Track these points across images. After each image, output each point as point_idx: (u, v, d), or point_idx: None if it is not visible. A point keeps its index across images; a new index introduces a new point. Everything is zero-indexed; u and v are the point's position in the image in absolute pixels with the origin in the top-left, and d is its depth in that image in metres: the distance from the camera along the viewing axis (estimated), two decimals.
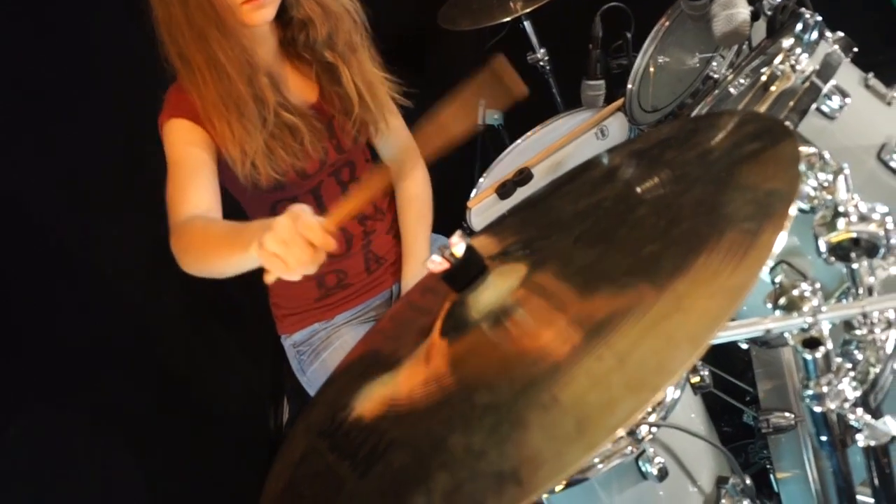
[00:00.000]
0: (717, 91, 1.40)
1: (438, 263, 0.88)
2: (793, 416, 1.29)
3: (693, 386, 1.28)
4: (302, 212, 1.06)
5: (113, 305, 1.95)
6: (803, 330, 0.88)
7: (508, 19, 2.02)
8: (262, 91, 1.44)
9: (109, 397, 1.92)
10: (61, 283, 1.85)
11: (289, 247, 1.04)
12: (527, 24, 2.15)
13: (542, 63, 2.22)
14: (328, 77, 1.58)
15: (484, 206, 1.96)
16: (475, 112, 1.08)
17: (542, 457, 0.61)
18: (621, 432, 0.57)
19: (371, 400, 0.90)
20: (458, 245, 0.87)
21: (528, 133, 2.06)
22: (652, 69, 1.71)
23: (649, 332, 0.64)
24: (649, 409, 1.20)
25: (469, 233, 1.86)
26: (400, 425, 0.81)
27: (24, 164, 1.76)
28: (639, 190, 0.86)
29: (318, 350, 1.73)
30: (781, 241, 0.63)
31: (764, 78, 1.18)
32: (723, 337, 0.92)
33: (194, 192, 1.40)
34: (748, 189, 0.74)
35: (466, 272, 0.88)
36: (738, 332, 0.92)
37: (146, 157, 1.50)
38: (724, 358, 1.63)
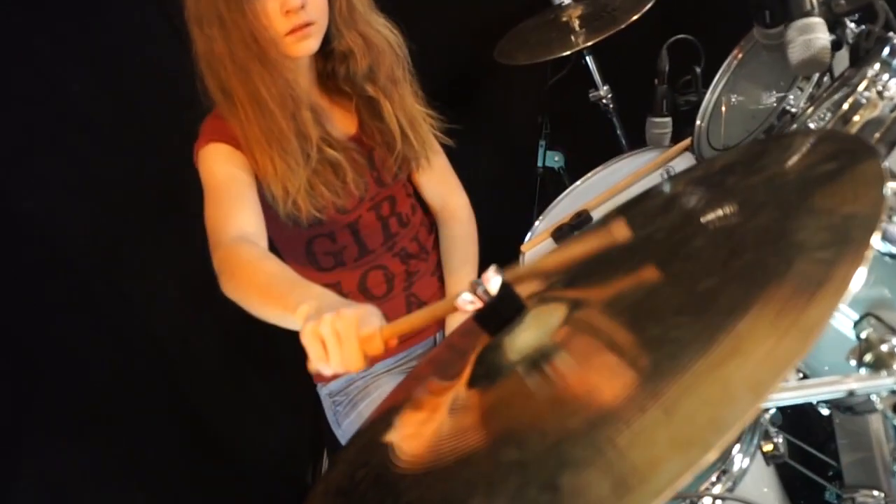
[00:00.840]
0: (794, 126, 1.32)
1: (470, 302, 0.83)
2: (882, 494, 1.17)
3: (766, 455, 1.19)
4: (370, 314, 1.01)
5: (144, 348, 1.95)
6: (894, 392, 0.80)
7: (568, 53, 1.98)
8: (305, 126, 1.44)
9: (137, 445, 1.91)
10: (91, 321, 1.85)
11: (341, 344, 0.99)
12: (589, 59, 2.10)
13: (605, 101, 2.17)
14: (369, 111, 1.57)
15: (539, 251, 1.90)
16: None
17: None
18: (668, 498, 0.49)
19: (393, 456, 0.84)
20: (491, 281, 0.81)
21: (589, 174, 2.00)
22: (723, 105, 1.64)
23: (702, 379, 0.56)
24: (713, 479, 1.11)
25: None
26: (418, 486, 0.74)
27: (60, 201, 1.79)
28: (695, 219, 0.79)
29: (355, 401, 1.68)
30: (863, 273, 0.55)
31: (846, 107, 1.10)
32: (798, 397, 0.84)
33: (241, 214, 1.38)
34: (822, 214, 0.66)
35: (501, 312, 0.82)
36: (816, 392, 0.84)
37: (187, 194, 1.49)
38: (802, 426, 1.51)
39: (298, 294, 1.12)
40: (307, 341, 1.01)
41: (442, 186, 1.76)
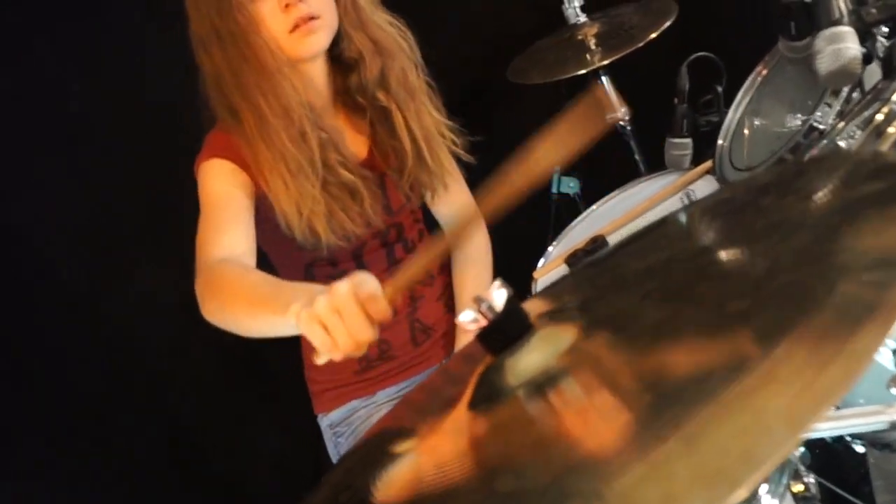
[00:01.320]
0: (823, 143, 1.26)
1: (472, 320, 0.76)
2: None
3: (796, 496, 1.11)
4: (366, 280, 0.96)
5: (136, 360, 1.91)
6: None
7: (584, 72, 1.93)
8: (314, 143, 1.39)
9: (125, 465, 1.86)
10: (85, 346, 1.82)
11: (343, 318, 0.93)
12: (605, 79, 2.05)
13: (622, 123, 2.11)
14: (382, 126, 1.50)
15: (552, 278, 1.83)
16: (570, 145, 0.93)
17: None
18: None
19: (381, 483, 0.77)
20: (497, 295, 0.75)
21: (605, 198, 1.94)
22: (746, 128, 1.58)
23: (731, 408, 0.49)
24: None
25: None
26: None
27: (57, 203, 1.79)
28: (724, 240, 0.73)
29: (358, 431, 1.61)
30: None
31: (880, 117, 1.03)
32: (836, 428, 0.77)
33: (231, 234, 1.34)
34: (868, 235, 0.60)
35: (506, 330, 0.76)
36: (855, 423, 0.77)
37: (186, 197, 1.46)
38: (832, 466, 1.43)
39: (286, 295, 1.07)
40: (306, 328, 0.95)
41: (458, 210, 1.70)
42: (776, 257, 0.64)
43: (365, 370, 1.60)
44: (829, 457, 1.38)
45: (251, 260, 1.33)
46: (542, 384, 0.69)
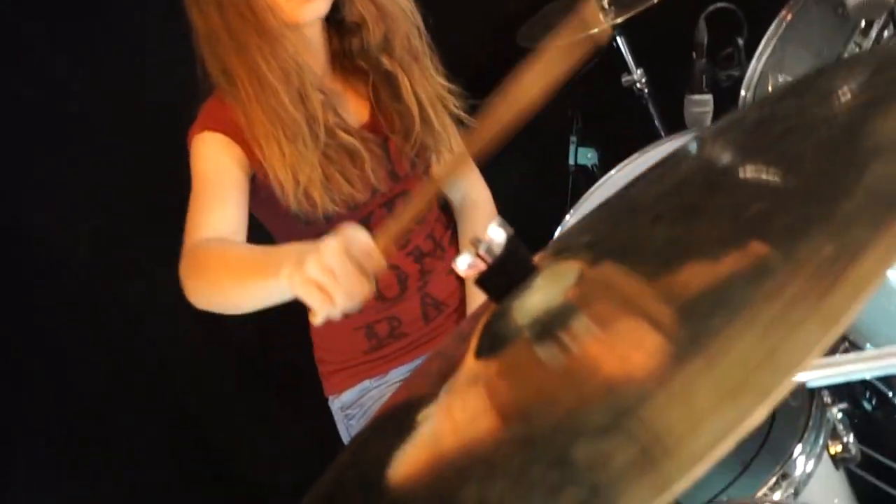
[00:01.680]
0: None
1: (470, 265, 0.71)
2: None
3: (834, 458, 1.05)
4: (355, 233, 0.94)
5: (146, 362, 1.91)
6: None
7: (596, 31, 1.87)
8: (314, 107, 1.35)
9: (136, 467, 1.86)
10: (85, 346, 1.82)
11: (337, 276, 0.91)
12: (620, 39, 1.99)
13: (639, 85, 2.05)
14: (386, 90, 1.46)
15: None
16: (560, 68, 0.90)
17: None
18: (711, 462, 0.37)
19: (389, 452, 0.73)
20: (495, 234, 0.70)
21: (624, 162, 1.87)
22: (770, 81, 1.52)
23: (755, 316, 0.44)
24: (771, 484, 0.98)
25: None
26: (409, 480, 0.63)
27: (59, 203, 1.79)
28: (741, 153, 0.67)
29: (370, 412, 1.57)
30: None
31: None
32: (876, 368, 0.71)
33: (219, 213, 1.30)
34: None
35: (508, 273, 0.71)
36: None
37: (186, 213, 1.44)
38: (871, 434, 1.37)
39: (275, 258, 1.04)
40: (302, 292, 0.94)
41: (462, 179, 1.66)
42: (798, 154, 0.58)
43: (375, 349, 1.56)
44: (867, 425, 1.33)
45: (241, 238, 1.30)
46: (550, 325, 0.64)
